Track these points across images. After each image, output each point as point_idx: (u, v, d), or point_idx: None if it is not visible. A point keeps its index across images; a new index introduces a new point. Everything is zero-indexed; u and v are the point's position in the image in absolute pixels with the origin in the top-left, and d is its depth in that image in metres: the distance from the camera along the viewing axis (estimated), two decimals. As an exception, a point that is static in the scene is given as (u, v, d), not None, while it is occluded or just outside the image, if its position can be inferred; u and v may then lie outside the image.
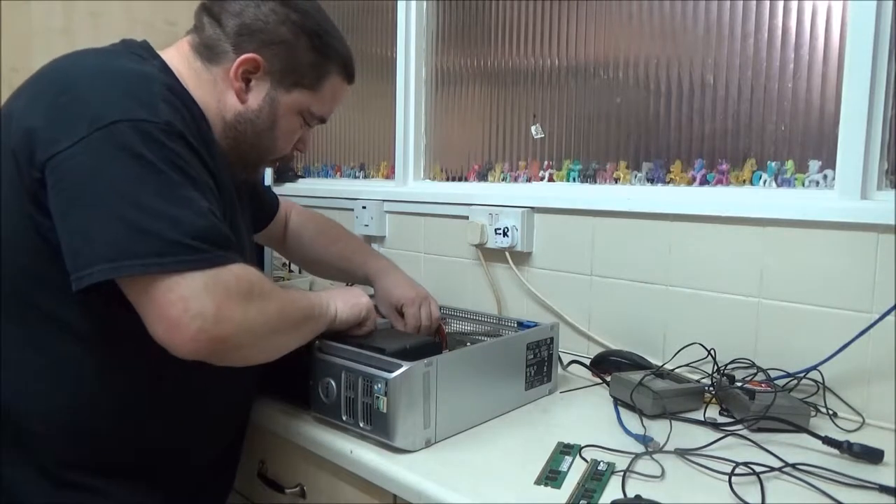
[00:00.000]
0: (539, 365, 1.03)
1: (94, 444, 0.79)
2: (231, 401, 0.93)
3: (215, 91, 0.86)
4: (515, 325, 1.10)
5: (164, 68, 0.83)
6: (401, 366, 0.81)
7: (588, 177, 1.36)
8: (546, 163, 1.44)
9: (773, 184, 1.11)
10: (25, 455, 0.78)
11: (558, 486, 0.75)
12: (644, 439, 0.86)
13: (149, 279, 0.68)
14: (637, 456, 0.82)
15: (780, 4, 1.09)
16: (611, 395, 1.03)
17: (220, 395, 0.89)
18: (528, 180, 1.47)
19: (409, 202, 1.62)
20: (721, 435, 0.88)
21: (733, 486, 0.73)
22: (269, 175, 1.83)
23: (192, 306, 0.68)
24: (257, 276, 0.76)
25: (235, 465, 0.99)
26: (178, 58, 0.86)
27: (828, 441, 0.83)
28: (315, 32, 0.89)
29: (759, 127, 1.13)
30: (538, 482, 0.76)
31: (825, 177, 1.06)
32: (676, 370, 1.08)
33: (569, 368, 1.20)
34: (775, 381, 0.99)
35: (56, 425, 0.78)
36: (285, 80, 0.88)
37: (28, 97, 0.77)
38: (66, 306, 0.76)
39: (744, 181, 1.14)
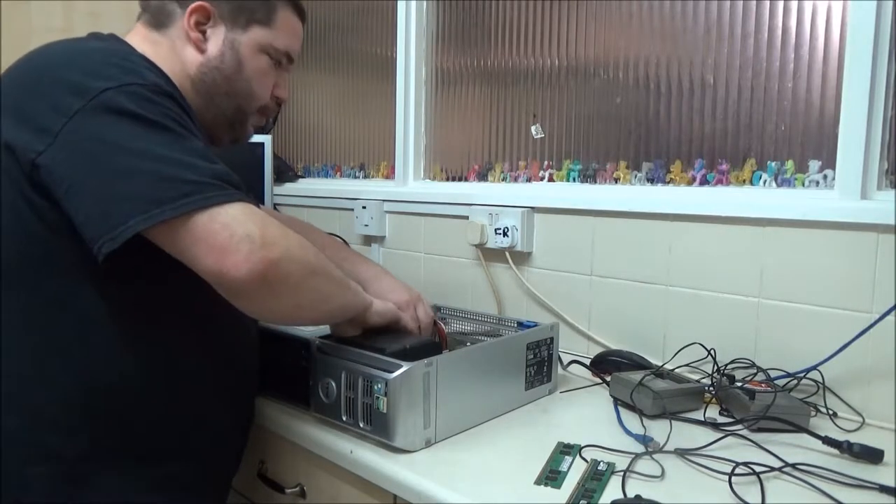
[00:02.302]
0: (539, 365, 1.03)
1: (104, 428, 0.79)
2: (237, 389, 0.93)
3: (176, 54, 0.88)
4: (515, 325, 1.10)
5: (132, 49, 0.84)
6: (401, 366, 0.81)
7: (588, 177, 1.36)
8: (546, 163, 1.44)
9: (773, 184, 1.11)
10: (39, 448, 0.77)
11: (558, 486, 0.75)
12: (644, 439, 0.86)
13: (184, 219, 0.69)
14: (637, 456, 0.82)
15: (780, 4, 1.09)
16: (611, 395, 1.03)
17: (227, 381, 0.90)
18: (528, 180, 1.47)
19: (409, 202, 1.62)
20: (721, 435, 0.88)
21: (733, 486, 0.73)
22: (269, 175, 1.83)
23: (238, 230, 0.70)
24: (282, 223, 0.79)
25: (238, 462, 0.99)
26: (138, 40, 0.88)
27: (828, 441, 0.83)
28: None
29: (759, 127, 1.13)
30: (538, 482, 0.76)
31: (825, 177, 1.06)
32: (676, 370, 1.08)
33: (569, 368, 1.20)
34: (775, 381, 0.99)
35: (71, 410, 0.77)
36: (238, 19, 0.90)
37: (10, 89, 0.78)
38: (73, 287, 0.76)
39: (744, 181, 1.14)
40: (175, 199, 0.69)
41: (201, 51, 0.89)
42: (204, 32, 0.89)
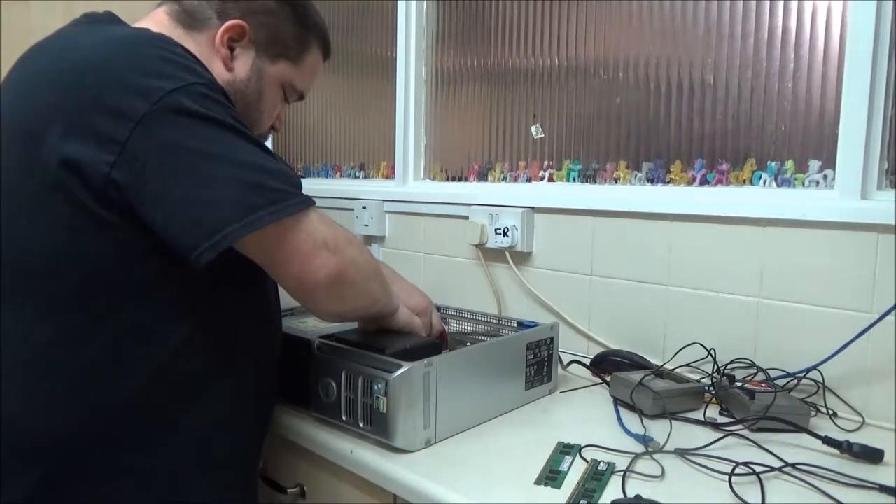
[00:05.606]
0: (539, 365, 1.03)
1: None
2: (266, 394, 0.92)
3: (205, 60, 0.82)
4: (515, 325, 1.10)
5: (170, 38, 0.79)
6: (401, 366, 0.81)
7: (588, 177, 1.36)
8: (546, 163, 1.44)
9: (773, 184, 1.11)
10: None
11: (558, 486, 0.75)
12: (644, 439, 0.86)
13: (276, 227, 0.72)
14: (637, 456, 0.82)
15: (780, 4, 1.09)
16: (611, 395, 1.03)
17: (257, 385, 0.88)
18: (528, 180, 1.47)
19: (409, 202, 1.62)
20: (721, 435, 0.88)
21: (733, 486, 0.73)
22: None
23: (318, 237, 0.75)
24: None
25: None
26: (155, 28, 0.82)
27: (828, 441, 0.83)
28: (298, 3, 0.90)
29: (759, 127, 1.13)
30: (538, 482, 0.76)
31: (825, 177, 1.06)
32: (676, 370, 1.08)
33: (569, 368, 1.20)
34: (775, 381, 0.99)
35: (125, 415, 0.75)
36: (270, 50, 0.88)
37: (41, 93, 0.72)
38: (135, 301, 0.74)
39: (744, 181, 1.14)
40: (266, 205, 0.70)
41: (228, 69, 0.86)
42: (232, 50, 0.86)
